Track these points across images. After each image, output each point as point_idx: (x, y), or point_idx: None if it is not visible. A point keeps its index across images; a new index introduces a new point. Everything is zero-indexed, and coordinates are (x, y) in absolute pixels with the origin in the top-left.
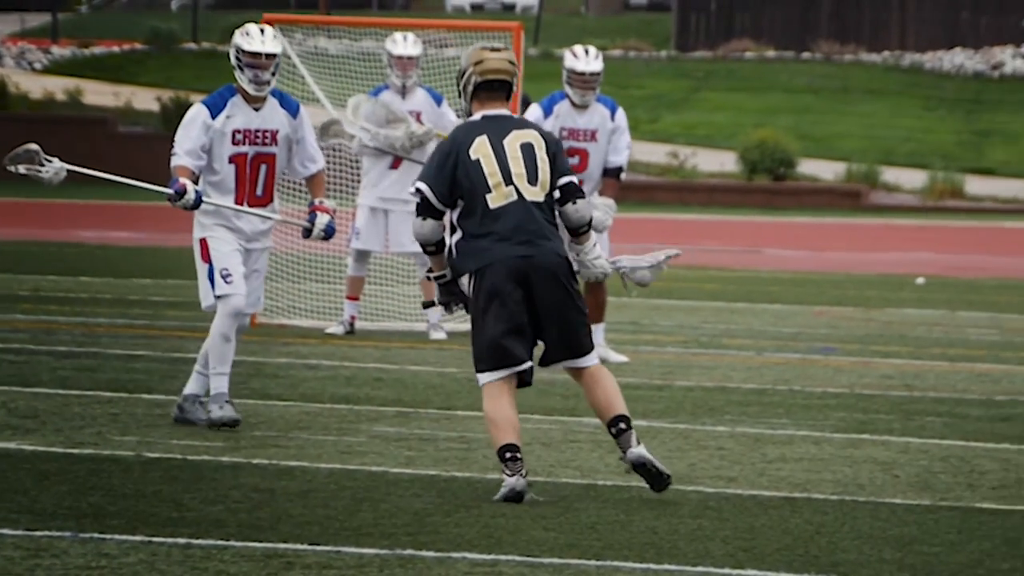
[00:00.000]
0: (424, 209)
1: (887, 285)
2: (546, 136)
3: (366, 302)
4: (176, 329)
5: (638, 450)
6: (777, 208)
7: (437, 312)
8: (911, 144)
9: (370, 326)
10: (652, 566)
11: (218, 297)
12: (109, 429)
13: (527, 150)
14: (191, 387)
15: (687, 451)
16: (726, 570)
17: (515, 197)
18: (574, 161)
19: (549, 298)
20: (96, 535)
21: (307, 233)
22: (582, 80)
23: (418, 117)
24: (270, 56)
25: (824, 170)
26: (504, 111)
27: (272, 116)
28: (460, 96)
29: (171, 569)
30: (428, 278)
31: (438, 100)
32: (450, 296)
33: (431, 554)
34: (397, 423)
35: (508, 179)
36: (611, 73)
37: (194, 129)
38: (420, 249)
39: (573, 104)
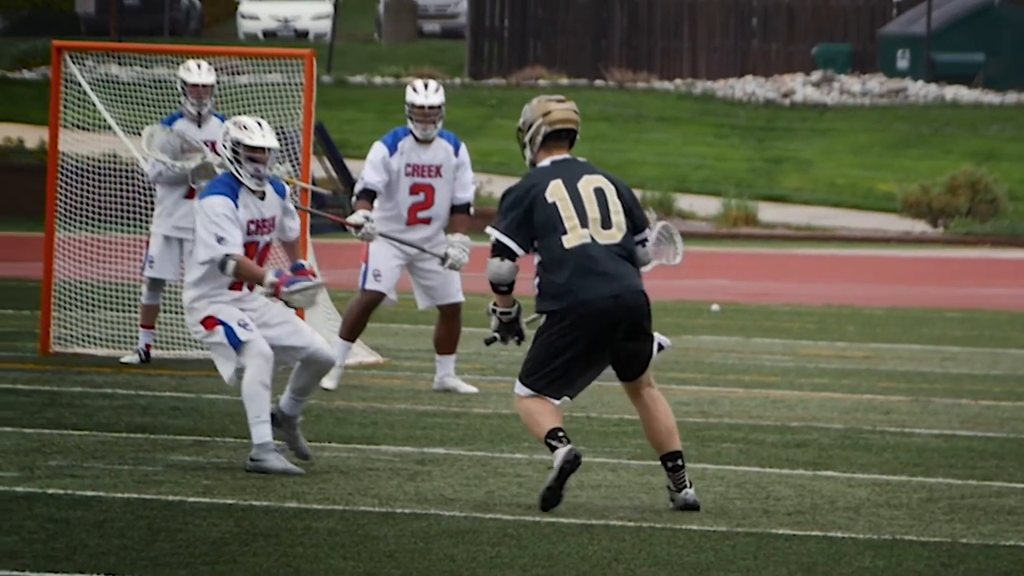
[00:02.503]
0: (501, 251)
1: (683, 312)
2: (615, 181)
3: (161, 330)
4: None
5: (691, 494)
6: None
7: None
8: (704, 171)
9: (166, 354)
10: None
11: (243, 342)
12: None
13: (599, 194)
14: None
15: (485, 478)
16: None
17: (588, 240)
18: (419, 198)
19: (630, 334)
20: None
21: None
22: (422, 114)
23: (213, 147)
24: (271, 150)
25: None
26: (570, 156)
27: (271, 203)
28: (523, 148)
29: None
30: (492, 311)
31: None
32: (509, 332)
33: None
34: (194, 452)
35: (584, 222)
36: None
37: (232, 220)
38: None
39: (416, 139)
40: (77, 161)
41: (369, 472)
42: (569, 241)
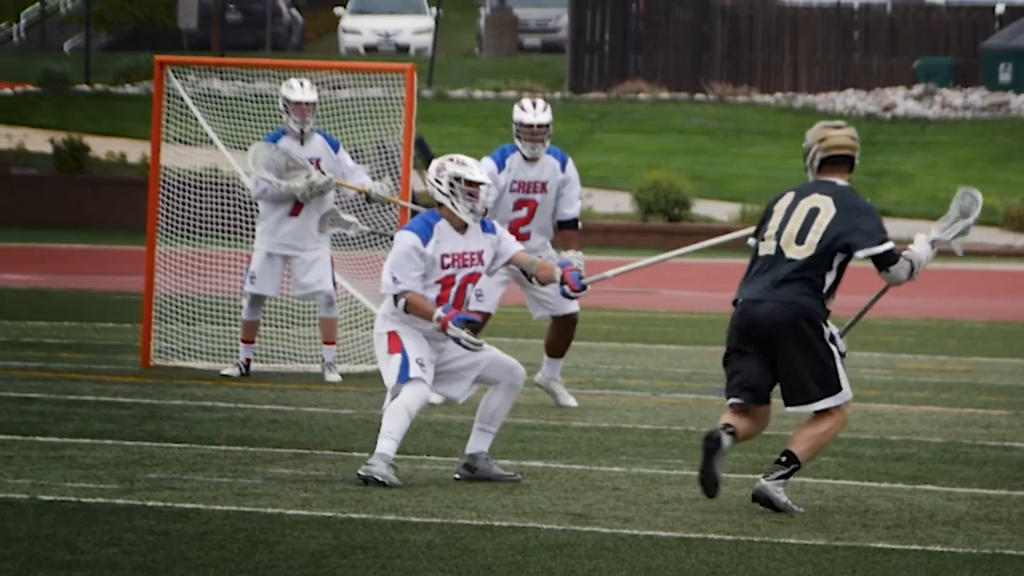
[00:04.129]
0: None
1: None
2: (839, 203)
3: (261, 344)
4: (70, 372)
5: (765, 483)
6: (672, 249)
7: (332, 351)
8: None
9: (265, 368)
10: None
11: (410, 379)
12: (2, 472)
13: (812, 212)
14: (475, 445)
15: (583, 491)
16: None
17: (774, 251)
18: (521, 214)
19: (774, 344)
20: None
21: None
22: (530, 132)
23: (317, 164)
24: (486, 184)
25: (718, 211)
26: (834, 179)
27: (474, 237)
28: (806, 170)
29: None
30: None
31: (335, 146)
32: None
33: None
34: (293, 465)
35: (779, 235)
36: (507, 115)
37: (410, 259)
38: (323, 289)
39: (524, 157)
40: (179, 175)
41: (468, 486)
42: (763, 249)
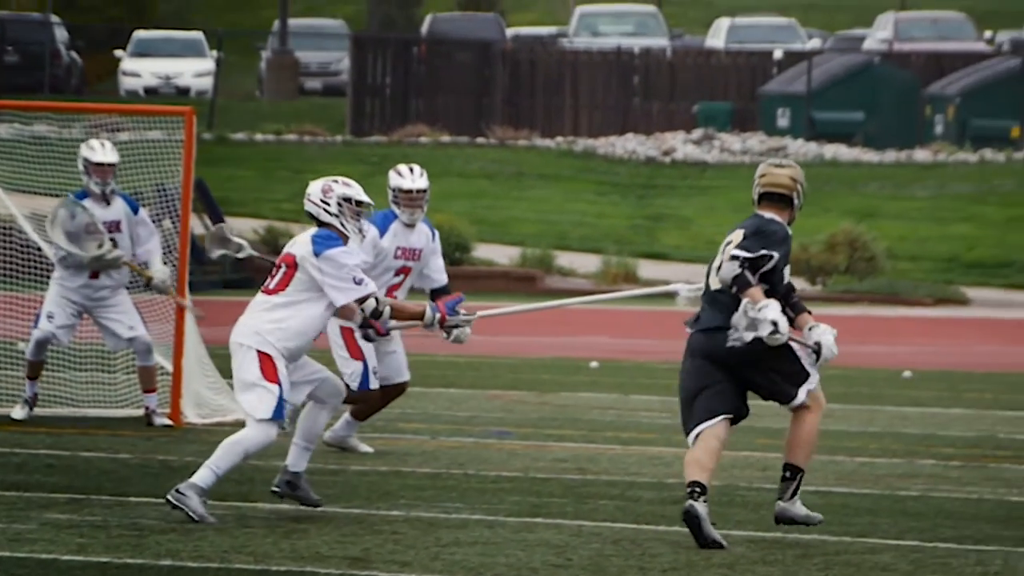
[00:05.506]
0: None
1: (561, 369)
2: (748, 231)
3: (41, 387)
4: None
5: (784, 504)
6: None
7: (154, 398)
8: (585, 228)
9: (43, 412)
10: None
11: (274, 420)
12: None
13: (727, 244)
14: (297, 463)
15: (362, 535)
16: None
17: (706, 283)
18: (398, 279)
19: (732, 366)
20: None
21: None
22: (409, 198)
23: (117, 226)
24: (372, 204)
25: (499, 254)
26: (769, 214)
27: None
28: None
29: None
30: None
31: (135, 209)
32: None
33: None
34: (69, 510)
35: (709, 268)
36: (287, 158)
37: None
38: (136, 336)
39: (403, 223)
40: None
41: (245, 530)
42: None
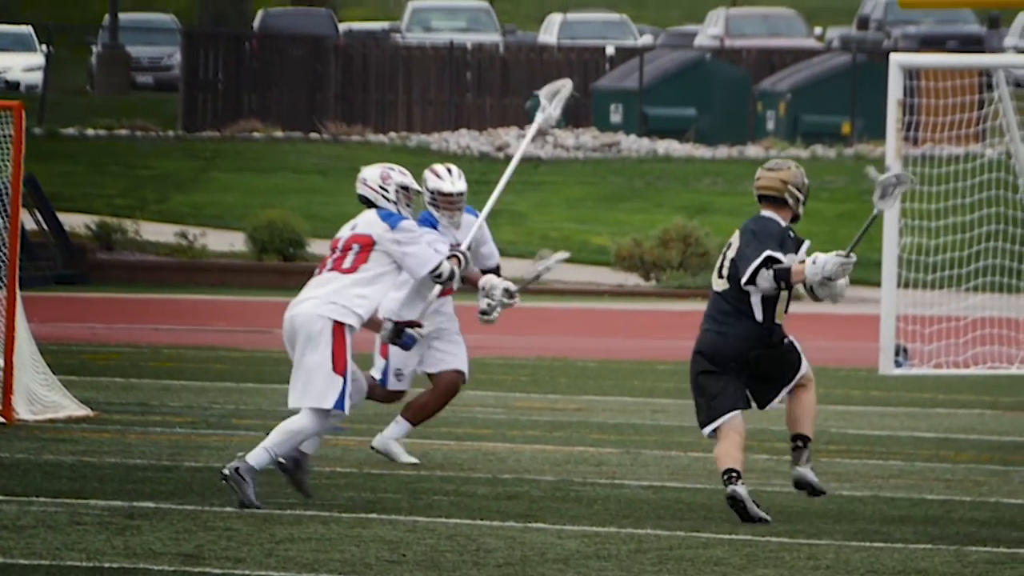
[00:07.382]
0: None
1: None
2: (745, 233)
3: None
4: None
5: (801, 469)
6: (288, 288)
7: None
8: None
9: None
10: None
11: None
12: None
13: (728, 247)
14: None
15: (195, 532)
16: None
17: (712, 286)
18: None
19: (740, 365)
20: None
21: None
22: (449, 201)
23: None
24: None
25: None
26: (767, 213)
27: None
28: None
29: None
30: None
31: None
32: None
33: None
34: None
35: (718, 270)
36: (119, 153)
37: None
38: None
39: (444, 226)
40: None
41: (77, 527)
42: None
